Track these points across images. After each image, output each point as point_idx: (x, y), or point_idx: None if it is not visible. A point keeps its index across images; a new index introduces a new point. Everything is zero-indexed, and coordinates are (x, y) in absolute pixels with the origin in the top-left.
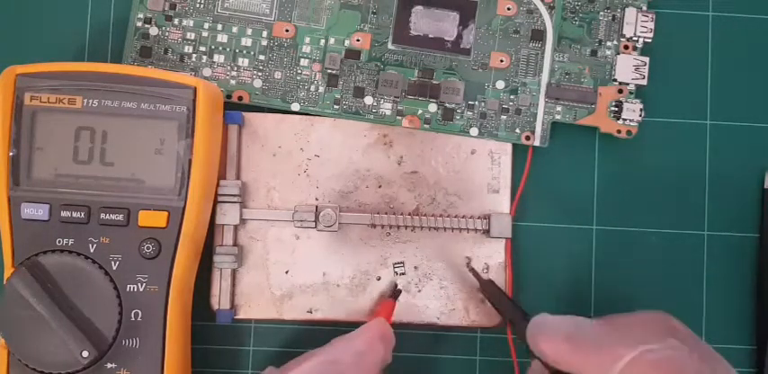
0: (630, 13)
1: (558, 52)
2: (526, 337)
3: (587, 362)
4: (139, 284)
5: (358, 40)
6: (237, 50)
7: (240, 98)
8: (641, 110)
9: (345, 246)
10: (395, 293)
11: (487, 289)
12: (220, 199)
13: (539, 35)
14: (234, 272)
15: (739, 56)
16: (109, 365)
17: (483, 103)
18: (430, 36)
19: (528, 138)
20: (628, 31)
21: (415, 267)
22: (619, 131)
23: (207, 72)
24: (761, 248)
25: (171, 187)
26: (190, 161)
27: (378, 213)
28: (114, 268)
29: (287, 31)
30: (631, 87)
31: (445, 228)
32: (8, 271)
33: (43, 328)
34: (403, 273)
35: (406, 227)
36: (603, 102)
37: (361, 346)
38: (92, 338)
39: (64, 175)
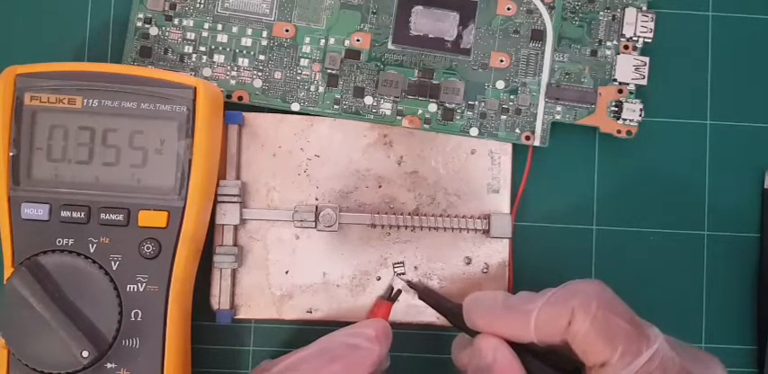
0: (630, 13)
1: (558, 52)
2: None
3: (509, 325)
4: (139, 284)
5: (358, 40)
6: (237, 50)
7: (240, 98)
8: (641, 110)
9: (345, 246)
10: (393, 295)
11: (427, 295)
12: (220, 199)
13: (539, 35)
14: (234, 272)
15: (739, 56)
16: (109, 365)
17: (483, 103)
18: (430, 36)
19: (528, 138)
20: (628, 31)
21: (415, 267)
22: (619, 131)
23: (207, 72)
24: (761, 248)
25: (171, 187)
26: (190, 161)
27: (378, 213)
28: (114, 268)
29: (287, 31)
30: (631, 87)
31: (445, 228)
32: (8, 271)
33: (43, 328)
34: (403, 273)
35: (406, 227)
36: (603, 102)
37: (354, 339)
38: (92, 338)
39: (64, 175)
